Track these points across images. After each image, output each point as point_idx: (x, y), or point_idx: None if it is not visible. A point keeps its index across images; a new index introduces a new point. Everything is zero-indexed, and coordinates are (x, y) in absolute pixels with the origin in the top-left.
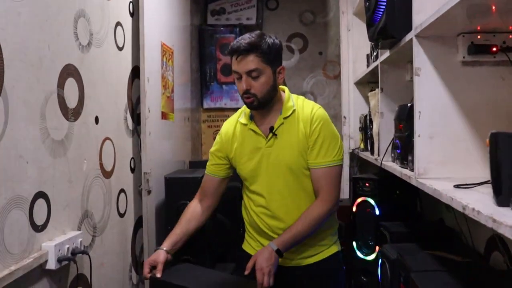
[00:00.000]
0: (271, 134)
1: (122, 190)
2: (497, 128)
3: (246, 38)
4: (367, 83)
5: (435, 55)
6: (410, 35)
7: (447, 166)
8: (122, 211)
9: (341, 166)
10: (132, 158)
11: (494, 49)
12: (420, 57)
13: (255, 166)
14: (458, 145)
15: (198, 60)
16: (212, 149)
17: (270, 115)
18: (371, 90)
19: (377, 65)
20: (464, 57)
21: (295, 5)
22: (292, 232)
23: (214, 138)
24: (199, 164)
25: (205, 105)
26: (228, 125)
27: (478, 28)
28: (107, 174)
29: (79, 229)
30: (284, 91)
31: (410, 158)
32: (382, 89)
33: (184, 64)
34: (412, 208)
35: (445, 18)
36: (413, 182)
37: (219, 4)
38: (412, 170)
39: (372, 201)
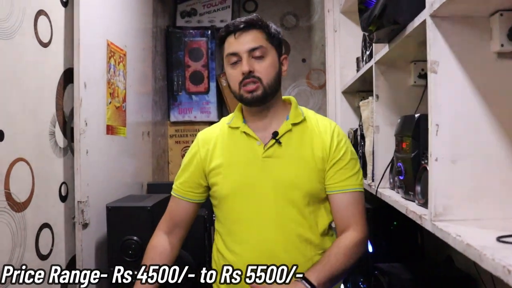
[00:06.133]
0: (273, 141)
1: (45, 225)
2: None
3: (242, 18)
4: (357, 92)
5: (459, 43)
6: (422, 16)
7: (477, 202)
8: (44, 252)
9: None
10: (64, 183)
11: None
12: (437, 46)
13: (242, 181)
14: (492, 172)
15: (164, 66)
16: (184, 161)
17: (271, 119)
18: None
19: (371, 67)
20: (502, 45)
21: (275, 7)
22: (325, 267)
23: (183, 156)
24: (160, 187)
25: (172, 118)
26: (209, 131)
27: None
28: (19, 206)
29: None
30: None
31: (418, 188)
32: (377, 97)
33: (145, 70)
34: (413, 242)
35: None
36: (428, 226)
37: (190, 4)
38: (422, 204)
39: None
